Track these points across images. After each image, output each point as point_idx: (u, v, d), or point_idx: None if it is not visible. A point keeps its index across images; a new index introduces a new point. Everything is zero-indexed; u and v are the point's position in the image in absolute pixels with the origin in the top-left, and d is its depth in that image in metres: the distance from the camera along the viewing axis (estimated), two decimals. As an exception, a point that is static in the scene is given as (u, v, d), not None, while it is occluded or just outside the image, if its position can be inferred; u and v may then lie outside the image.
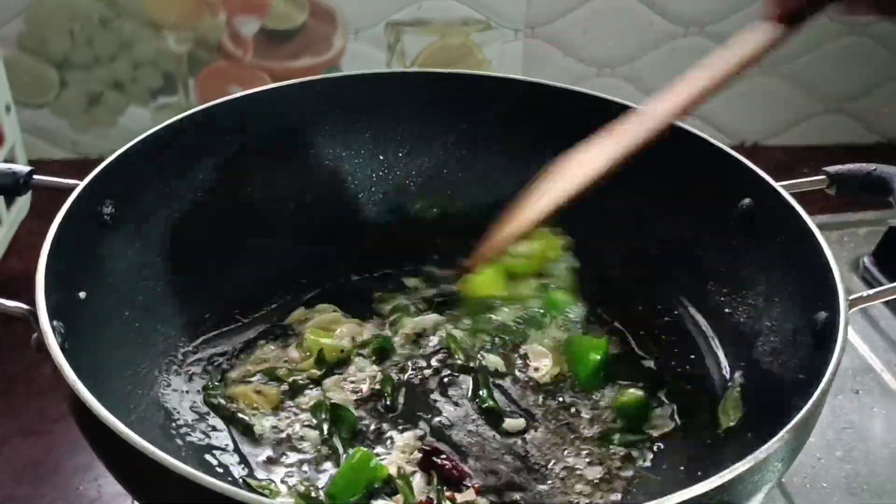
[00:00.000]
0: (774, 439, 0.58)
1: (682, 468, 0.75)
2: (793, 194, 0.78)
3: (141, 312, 0.78)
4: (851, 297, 0.69)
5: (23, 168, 0.75)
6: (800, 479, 0.82)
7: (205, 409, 0.79)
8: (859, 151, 1.57)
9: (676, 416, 0.80)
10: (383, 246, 0.94)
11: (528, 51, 1.57)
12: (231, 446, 0.76)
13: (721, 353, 0.83)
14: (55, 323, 0.64)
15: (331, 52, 1.51)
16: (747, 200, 0.82)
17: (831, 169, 0.79)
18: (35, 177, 0.75)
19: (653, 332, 0.87)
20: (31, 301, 0.66)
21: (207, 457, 0.75)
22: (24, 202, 1.49)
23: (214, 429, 0.77)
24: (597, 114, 0.89)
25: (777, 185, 0.79)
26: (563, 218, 0.90)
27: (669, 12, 1.53)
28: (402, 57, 1.56)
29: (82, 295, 0.72)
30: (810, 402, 0.60)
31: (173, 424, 0.76)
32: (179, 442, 0.74)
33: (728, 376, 0.81)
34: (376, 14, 1.48)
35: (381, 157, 0.94)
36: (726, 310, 0.83)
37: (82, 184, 0.73)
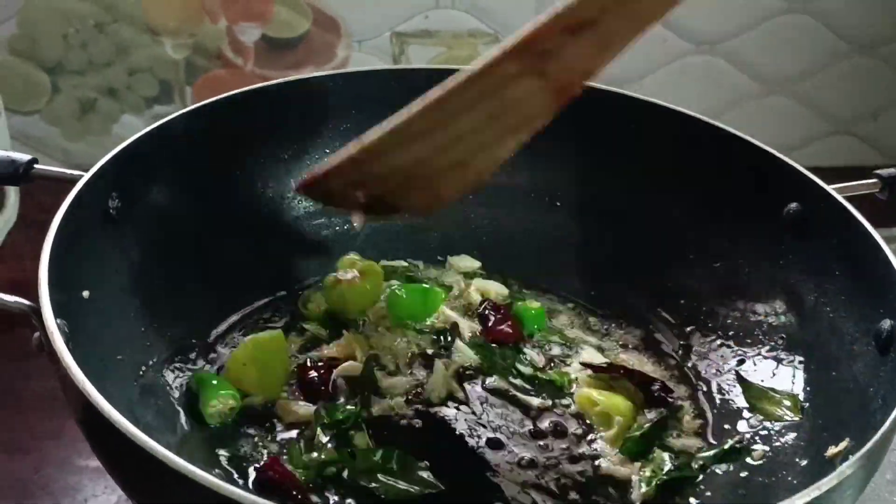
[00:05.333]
0: (852, 460, 0.53)
1: (742, 475, 0.70)
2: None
3: (146, 313, 0.73)
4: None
5: (23, 156, 0.70)
6: None
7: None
8: (868, 173, 1.55)
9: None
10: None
11: (537, 65, 1.55)
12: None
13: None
14: (59, 321, 0.58)
15: (334, 62, 1.48)
16: (794, 205, 0.78)
17: (884, 172, 0.76)
18: (36, 167, 0.70)
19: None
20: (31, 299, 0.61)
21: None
22: (11, 212, 1.44)
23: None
24: (622, 113, 0.88)
25: (829, 188, 0.74)
26: (596, 220, 0.87)
27: (681, 29, 1.51)
28: (407, 69, 1.53)
29: (86, 294, 0.67)
30: (892, 415, 0.55)
31: (184, 431, 0.71)
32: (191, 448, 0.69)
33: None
34: (381, 24, 1.45)
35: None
36: (770, 320, 0.78)
37: (88, 174, 0.69)
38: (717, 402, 0.77)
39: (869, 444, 0.53)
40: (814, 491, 0.49)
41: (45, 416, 1.01)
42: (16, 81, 1.40)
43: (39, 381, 1.07)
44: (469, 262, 0.90)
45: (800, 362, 0.74)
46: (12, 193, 1.36)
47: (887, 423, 0.54)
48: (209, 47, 1.41)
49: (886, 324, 0.65)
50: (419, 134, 0.66)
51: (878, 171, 0.76)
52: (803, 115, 1.64)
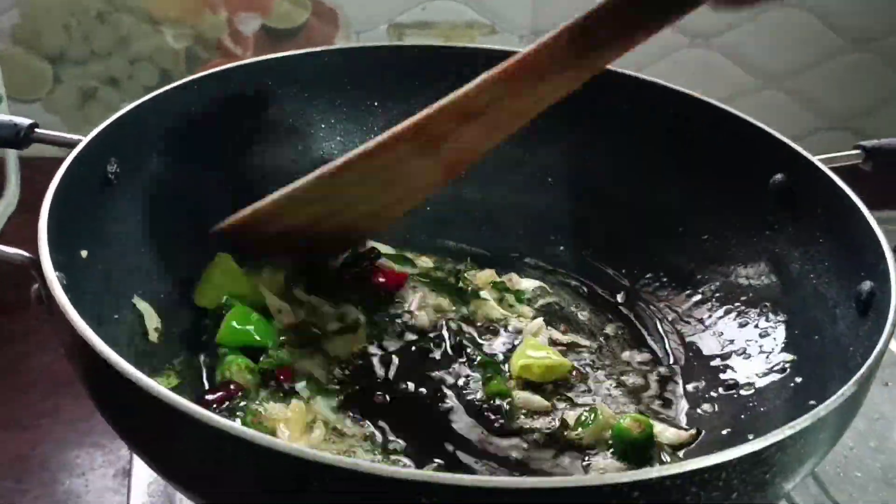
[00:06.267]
0: (826, 403, 0.54)
1: (723, 432, 0.71)
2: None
3: (143, 276, 0.74)
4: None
5: (24, 120, 0.71)
6: (832, 468, 0.79)
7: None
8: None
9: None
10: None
11: (533, 57, 1.56)
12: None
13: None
14: (58, 273, 0.59)
15: (332, 53, 1.50)
16: (779, 175, 0.79)
17: (867, 143, 0.77)
18: (37, 130, 0.71)
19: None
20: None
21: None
22: (11, 198, 1.45)
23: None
24: (609, 88, 0.87)
25: (814, 159, 0.76)
26: (585, 195, 0.89)
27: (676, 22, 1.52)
28: (404, 59, 1.54)
29: (84, 254, 0.68)
30: (871, 358, 0.56)
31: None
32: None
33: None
34: (379, 15, 1.46)
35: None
36: (755, 285, 0.80)
37: (87, 138, 0.70)
38: (704, 357, 0.79)
39: (846, 387, 0.54)
40: (787, 430, 0.50)
41: (42, 393, 1.02)
42: (18, 71, 1.41)
43: (37, 358, 1.08)
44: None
45: (782, 321, 0.76)
46: (13, 179, 1.36)
47: (862, 370, 0.55)
48: (209, 37, 1.42)
49: (867, 285, 0.66)
50: (313, 199, 0.74)
51: (861, 143, 0.77)
52: (799, 109, 1.64)
